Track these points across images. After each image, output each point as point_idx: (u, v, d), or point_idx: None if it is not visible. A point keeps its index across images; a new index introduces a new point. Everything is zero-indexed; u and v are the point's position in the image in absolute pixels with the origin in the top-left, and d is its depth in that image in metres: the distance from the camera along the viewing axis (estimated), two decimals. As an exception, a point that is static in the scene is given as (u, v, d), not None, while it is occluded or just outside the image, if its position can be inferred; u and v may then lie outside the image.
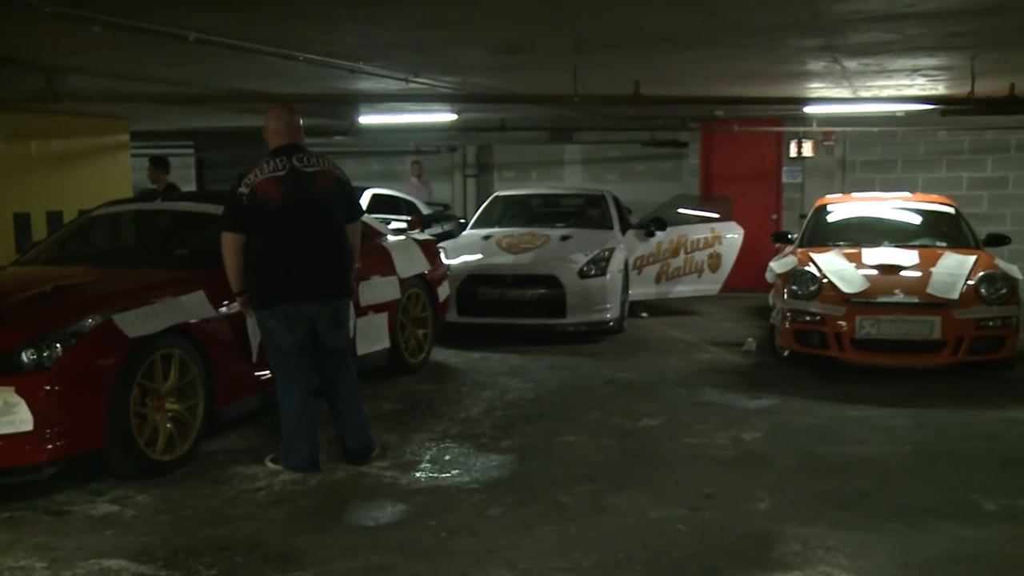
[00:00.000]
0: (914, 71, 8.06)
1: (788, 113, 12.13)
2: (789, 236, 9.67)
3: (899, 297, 7.62)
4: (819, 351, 7.81)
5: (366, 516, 4.78)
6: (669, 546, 4.27)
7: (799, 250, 8.79)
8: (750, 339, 9.15)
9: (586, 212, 10.98)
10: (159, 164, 10.30)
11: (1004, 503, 4.81)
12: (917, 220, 9.38)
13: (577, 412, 6.72)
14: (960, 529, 4.48)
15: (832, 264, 8.14)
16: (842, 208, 9.75)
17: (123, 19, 5.24)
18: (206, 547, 4.26)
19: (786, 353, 8.10)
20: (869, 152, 13.32)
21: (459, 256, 9.64)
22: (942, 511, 4.70)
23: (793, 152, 13.06)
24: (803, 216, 10.70)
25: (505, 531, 4.46)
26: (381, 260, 7.42)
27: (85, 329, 5.00)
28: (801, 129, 12.78)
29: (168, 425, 5.32)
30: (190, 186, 17.15)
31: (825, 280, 7.88)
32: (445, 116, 11.47)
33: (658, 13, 5.68)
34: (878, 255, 8.32)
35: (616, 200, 11.13)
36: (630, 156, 14.94)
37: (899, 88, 9.26)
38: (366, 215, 7.10)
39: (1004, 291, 7.64)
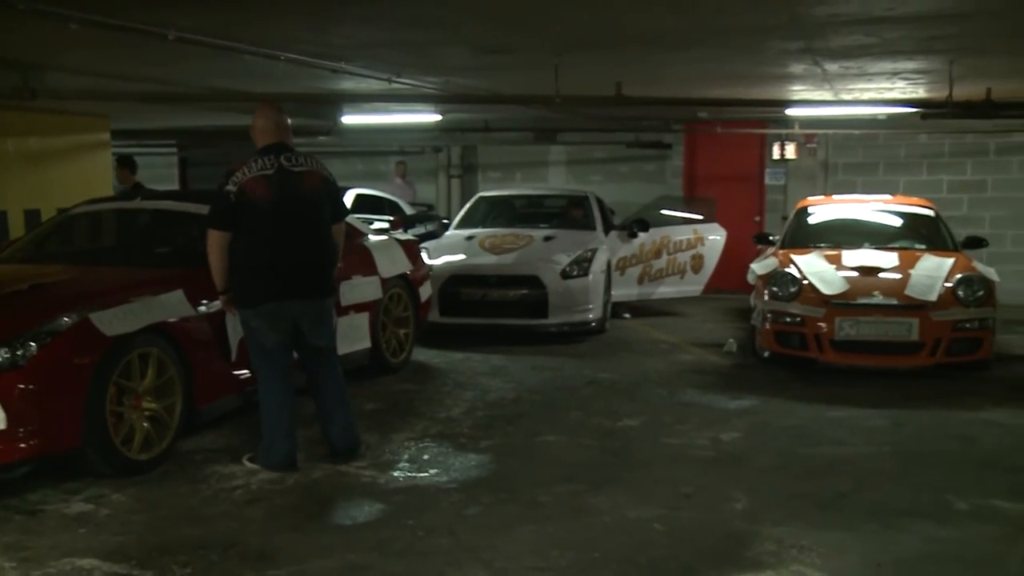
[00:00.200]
0: (894, 74, 8.12)
1: (771, 115, 12.18)
2: (771, 238, 9.70)
3: (878, 299, 7.66)
4: (799, 352, 7.85)
5: (344, 515, 4.78)
6: (646, 546, 4.28)
7: (780, 252, 8.83)
8: (731, 340, 9.18)
9: (569, 213, 10.99)
10: (125, 164, 10.21)
11: (978, 503, 4.84)
12: (897, 222, 9.44)
13: (558, 412, 6.72)
14: (935, 529, 4.50)
15: (812, 266, 8.18)
16: (823, 210, 9.80)
17: (100, 17, 5.21)
18: (181, 546, 4.24)
19: (766, 354, 8.14)
20: (851, 154, 13.39)
21: (442, 256, 9.64)
22: (917, 511, 4.72)
23: (776, 154, 13.11)
24: (785, 218, 10.74)
25: (483, 531, 4.46)
26: (362, 260, 7.41)
27: (61, 327, 4.96)
28: (784, 131, 12.85)
29: (145, 424, 5.29)
30: (173, 185, 17.09)
31: (805, 282, 7.91)
32: (429, 117, 11.46)
33: (639, 15, 5.70)
34: (858, 257, 8.36)
35: (599, 201, 11.14)
36: (614, 157, 14.96)
37: (880, 91, 9.31)
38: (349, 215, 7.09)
39: (981, 293, 7.70)
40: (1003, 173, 12.71)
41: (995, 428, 6.37)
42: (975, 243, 9.03)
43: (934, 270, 7.98)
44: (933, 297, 7.62)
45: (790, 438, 6.07)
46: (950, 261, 8.20)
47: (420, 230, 11.99)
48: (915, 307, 7.57)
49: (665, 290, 11.22)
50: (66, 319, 5.01)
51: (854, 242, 8.86)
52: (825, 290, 7.78)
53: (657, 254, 11.03)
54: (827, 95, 9.80)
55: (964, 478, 5.30)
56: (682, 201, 13.04)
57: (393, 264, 7.87)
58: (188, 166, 17.88)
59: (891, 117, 11.02)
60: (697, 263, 11.28)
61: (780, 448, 5.86)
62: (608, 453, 5.76)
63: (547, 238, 10.04)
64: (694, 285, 11.34)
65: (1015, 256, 12.39)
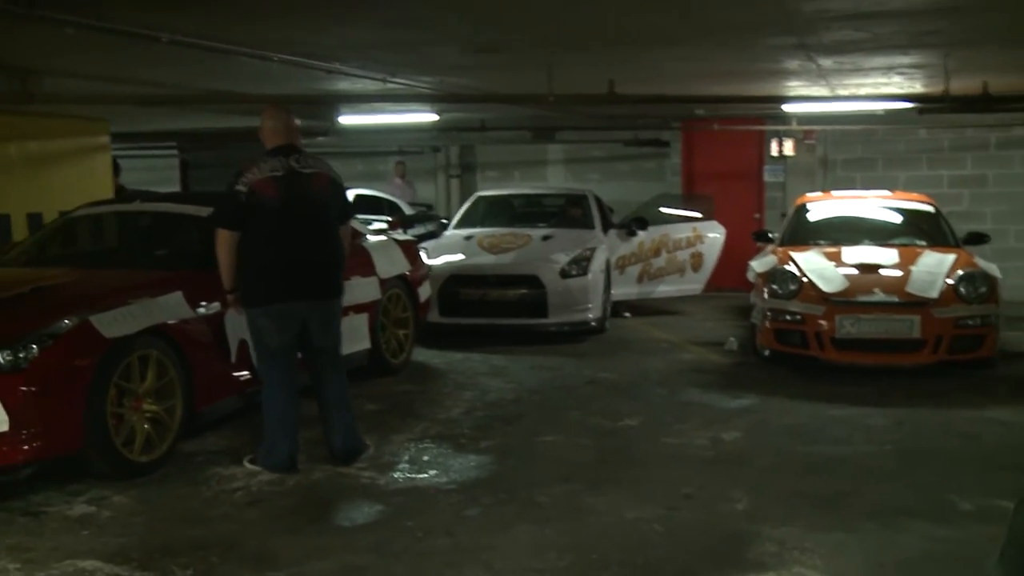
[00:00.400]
0: (890, 69, 8.11)
1: (769, 112, 12.17)
2: (770, 235, 9.70)
3: (879, 296, 7.65)
4: (799, 350, 7.84)
5: (343, 517, 4.79)
6: (645, 546, 4.28)
7: (779, 249, 8.82)
8: (731, 338, 9.18)
9: (568, 212, 10.99)
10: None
11: (980, 503, 4.82)
12: (897, 219, 9.43)
13: (557, 412, 6.72)
14: (936, 529, 4.49)
15: (812, 263, 8.17)
16: (822, 207, 9.79)
17: (94, 20, 5.21)
18: (182, 548, 4.25)
19: (767, 352, 8.13)
20: (850, 150, 13.37)
21: (441, 256, 9.64)
22: (919, 511, 4.71)
23: (774, 151, 13.11)
24: (784, 215, 10.73)
25: (481, 531, 4.46)
26: (361, 261, 7.41)
27: (62, 330, 4.98)
28: (782, 128, 12.82)
29: (146, 426, 5.30)
30: (174, 187, 17.09)
31: (805, 279, 7.90)
32: (426, 116, 11.46)
33: (628, 12, 5.70)
34: (858, 254, 8.35)
35: (598, 200, 11.14)
36: (613, 156, 14.95)
37: (876, 86, 9.30)
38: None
39: (984, 290, 7.68)
40: (1005, 167, 12.68)
41: (998, 426, 6.36)
42: (977, 239, 8.99)
43: (935, 266, 7.97)
44: (934, 294, 7.60)
45: (791, 437, 6.07)
46: (951, 257, 8.19)
47: (419, 230, 11.99)
48: (916, 304, 7.56)
49: (665, 288, 11.22)
50: (66, 321, 5.03)
51: (854, 239, 8.84)
52: (825, 288, 7.77)
53: (656, 252, 11.03)
54: (824, 91, 9.79)
55: (967, 477, 5.29)
56: (681, 199, 13.03)
57: (391, 265, 7.87)
58: (189, 168, 17.88)
59: (889, 112, 11.00)
60: (697, 261, 11.27)
61: (781, 447, 5.86)
62: (607, 453, 5.76)
63: (546, 237, 10.04)
64: (694, 283, 11.34)
65: (1018, 252, 12.37)
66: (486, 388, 7.45)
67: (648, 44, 6.81)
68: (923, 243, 8.79)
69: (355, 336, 7.17)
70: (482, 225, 10.82)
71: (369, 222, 9.81)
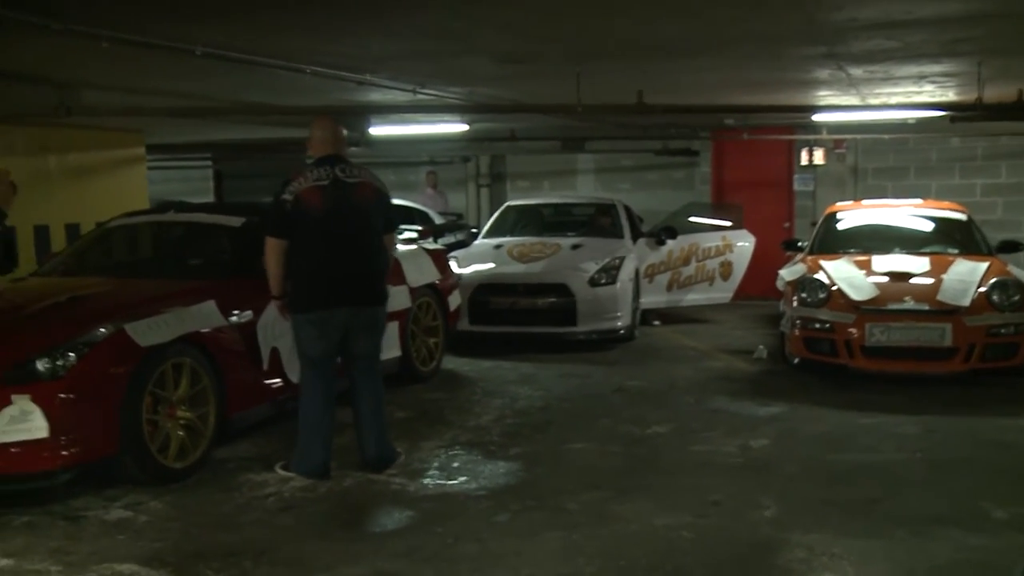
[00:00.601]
0: (921, 78, 8.06)
1: (799, 121, 12.12)
2: (800, 244, 9.68)
3: (909, 304, 7.60)
4: (829, 358, 7.80)
5: (374, 523, 4.84)
6: (673, 553, 4.30)
7: (809, 257, 8.80)
8: (761, 347, 9.15)
9: (597, 221, 11.02)
10: None
11: (1014, 511, 4.78)
12: (928, 227, 9.37)
13: (586, 420, 6.75)
14: (968, 537, 4.46)
15: (841, 271, 8.14)
16: (852, 215, 9.75)
17: (130, 35, 5.32)
18: (215, 553, 4.32)
19: (796, 360, 8.10)
20: (881, 159, 13.30)
21: (471, 265, 9.70)
22: (950, 519, 4.69)
23: (804, 160, 13.05)
24: (814, 224, 10.69)
25: (510, 537, 4.50)
26: (392, 270, 7.47)
27: (98, 338, 5.08)
28: (812, 137, 12.78)
29: (180, 433, 5.39)
30: (208, 198, 17.30)
31: (834, 288, 7.88)
32: (456, 127, 11.53)
33: (657, 24, 5.72)
34: (888, 262, 8.31)
35: (627, 209, 11.16)
36: (643, 165, 14.97)
37: (908, 95, 9.25)
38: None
39: (1017, 298, 7.60)
40: (1040, 176, 12.57)
41: (1030, 435, 6.30)
42: (1011, 247, 8.89)
43: (967, 275, 7.91)
44: (966, 302, 7.55)
45: (820, 445, 6.06)
46: (984, 265, 8.12)
47: (449, 239, 12.06)
48: (948, 312, 7.50)
49: (694, 297, 11.21)
50: (102, 330, 5.13)
51: (884, 247, 8.79)
52: (855, 296, 7.74)
53: (686, 261, 11.03)
54: (854, 100, 9.75)
55: (998, 485, 5.26)
56: (710, 208, 13.00)
57: (421, 273, 7.93)
58: (223, 179, 18.10)
59: (921, 121, 10.93)
60: (726, 270, 11.25)
61: (810, 455, 5.84)
62: (636, 460, 5.78)
63: (575, 246, 10.08)
64: (723, 292, 11.31)
65: (1053, 260, 12.22)
66: (515, 396, 7.49)
67: (677, 55, 6.83)
68: (955, 251, 8.73)
69: (386, 344, 7.18)
70: (512, 234, 10.89)
71: (400, 231, 9.87)
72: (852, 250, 8.87)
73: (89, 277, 6.57)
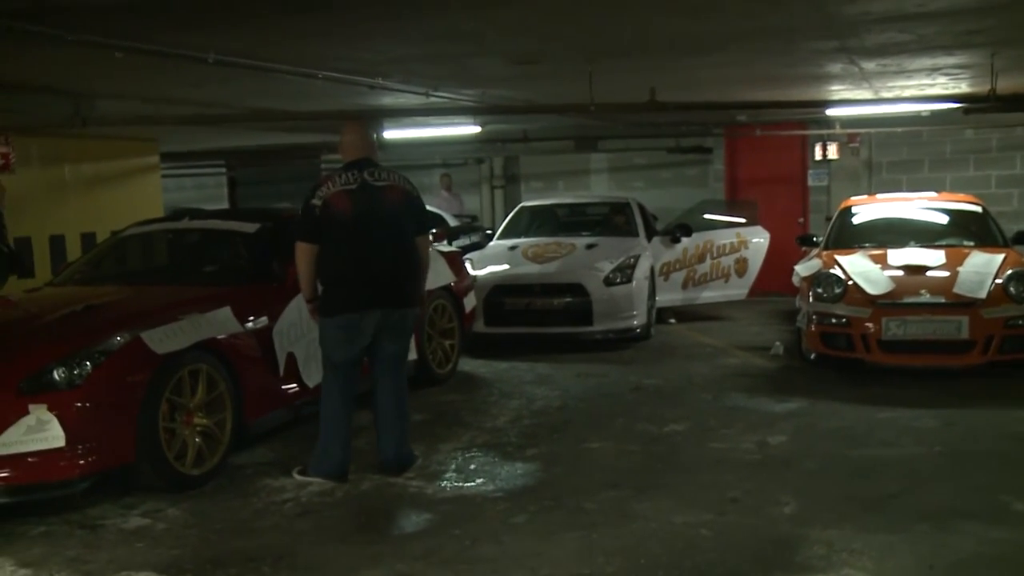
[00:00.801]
0: (934, 70, 8.02)
1: (811, 116, 12.09)
2: (815, 239, 9.64)
3: (926, 297, 7.56)
4: (846, 353, 7.77)
5: (392, 525, 4.85)
6: (692, 551, 4.28)
7: (824, 253, 8.76)
8: (777, 343, 9.12)
9: (611, 220, 11.01)
10: None
11: (1035, 503, 4.75)
12: (943, 220, 9.32)
13: (603, 419, 6.73)
14: (989, 530, 4.43)
15: (857, 266, 8.10)
16: (867, 210, 9.71)
17: (142, 44, 5.35)
18: (233, 559, 4.33)
19: (813, 356, 8.07)
20: (895, 153, 13.23)
21: (486, 267, 9.70)
22: (971, 512, 4.66)
23: (818, 155, 12.98)
24: (828, 219, 10.66)
25: (528, 538, 4.49)
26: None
27: (114, 347, 5.10)
28: (825, 132, 12.72)
29: (197, 439, 5.40)
30: (223, 204, 17.39)
31: (850, 282, 7.84)
32: (469, 129, 11.54)
33: (668, 20, 5.71)
34: (904, 256, 8.27)
35: (641, 207, 11.14)
36: (656, 163, 14.95)
37: (921, 88, 9.19)
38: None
39: (1034, 289, 7.55)
40: (1056, 166, 12.48)
41: (1051, 427, 6.25)
42: (1027, 238, 8.87)
43: (983, 267, 7.86)
44: (983, 294, 7.50)
45: (838, 440, 6.02)
46: (1000, 257, 8.07)
47: (464, 241, 12.08)
48: (964, 305, 7.46)
49: (710, 294, 11.18)
50: (118, 338, 5.15)
51: (900, 241, 8.75)
52: (871, 290, 7.70)
53: (701, 258, 11.00)
54: (867, 94, 9.70)
55: (1019, 478, 5.23)
56: (724, 205, 12.97)
57: (436, 276, 7.90)
58: (237, 185, 18.18)
59: (935, 113, 10.87)
60: (741, 266, 11.22)
61: (828, 450, 5.81)
62: (654, 459, 5.76)
63: (590, 246, 10.06)
64: (739, 288, 11.28)
65: (1071, 250, 12.12)
66: (532, 396, 7.48)
67: (689, 51, 6.81)
68: (971, 243, 8.68)
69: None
70: (526, 235, 10.88)
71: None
72: (867, 244, 8.83)
73: (105, 286, 6.60)
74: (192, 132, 10.98)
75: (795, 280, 8.76)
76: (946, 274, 7.80)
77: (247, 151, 15.16)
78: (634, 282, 9.47)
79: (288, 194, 16.35)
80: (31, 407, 4.77)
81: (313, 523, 4.81)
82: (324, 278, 5.41)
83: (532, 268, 9.61)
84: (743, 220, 11.56)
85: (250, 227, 6.94)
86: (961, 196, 9.95)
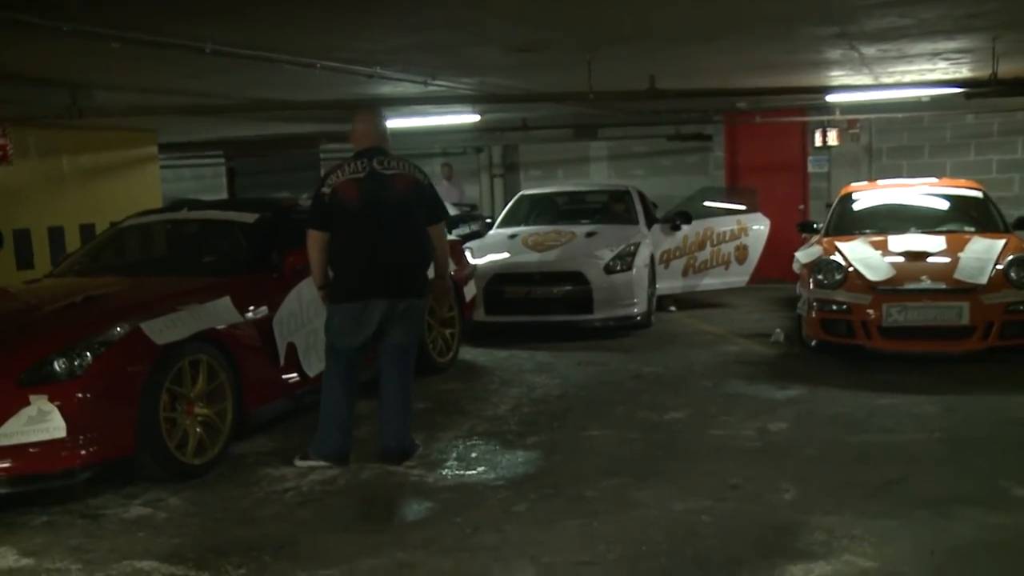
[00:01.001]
0: (935, 55, 7.99)
1: (811, 102, 12.06)
2: (815, 226, 9.63)
3: (926, 283, 7.55)
4: (846, 340, 7.76)
5: (393, 514, 4.85)
6: (693, 538, 4.29)
7: (824, 239, 8.75)
8: (778, 330, 9.12)
9: (611, 208, 11.00)
10: None
11: (1034, 489, 4.75)
12: (944, 205, 9.30)
13: (603, 407, 6.74)
14: (989, 516, 4.44)
15: (858, 252, 8.09)
16: (867, 196, 9.69)
17: (139, 34, 5.34)
18: (235, 548, 4.33)
19: (813, 343, 8.07)
20: (895, 138, 13.21)
21: (485, 255, 9.69)
22: (971, 498, 4.66)
23: (818, 141, 12.96)
24: (829, 205, 10.64)
25: (529, 526, 4.49)
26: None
27: (114, 337, 5.10)
28: (825, 118, 12.70)
29: (198, 429, 5.41)
30: (222, 194, 17.38)
31: (851, 269, 7.84)
32: (468, 117, 11.51)
33: (668, 7, 5.70)
34: (904, 242, 8.25)
35: (641, 195, 11.13)
36: (656, 151, 14.93)
37: (921, 73, 9.17)
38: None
39: (1035, 275, 7.54)
40: (1057, 150, 12.46)
41: (1051, 412, 6.25)
42: (1028, 223, 8.85)
43: (984, 252, 7.85)
44: (983, 280, 7.49)
45: (838, 426, 6.03)
46: (1001, 243, 8.05)
47: (464, 230, 12.07)
48: (965, 290, 7.45)
49: (710, 282, 11.18)
50: (118, 329, 5.15)
51: (900, 227, 8.74)
52: (871, 276, 7.69)
53: (701, 246, 11.00)
54: (867, 79, 9.68)
55: (1019, 463, 5.23)
56: (724, 192, 12.96)
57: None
58: (236, 175, 18.17)
59: (935, 98, 10.85)
60: (741, 254, 11.21)
61: (828, 437, 5.81)
62: (654, 446, 5.77)
63: (589, 234, 10.05)
64: (739, 276, 11.28)
65: (1072, 235, 12.11)
66: (532, 385, 7.49)
67: (688, 38, 6.79)
68: (971, 229, 8.66)
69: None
70: (526, 223, 10.87)
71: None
72: (868, 231, 8.81)
73: (104, 277, 6.60)
74: (190, 122, 10.97)
75: (795, 267, 8.76)
76: (947, 260, 7.79)
77: (246, 141, 15.14)
78: (634, 270, 9.47)
79: (287, 184, 16.36)
80: (32, 398, 4.77)
81: (314, 512, 4.82)
82: (332, 266, 5.44)
83: (532, 256, 9.61)
84: (743, 207, 11.56)
85: (249, 217, 6.93)
86: (962, 182, 9.93)
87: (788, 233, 11.21)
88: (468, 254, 9.13)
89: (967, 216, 9.00)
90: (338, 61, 6.84)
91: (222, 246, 7.13)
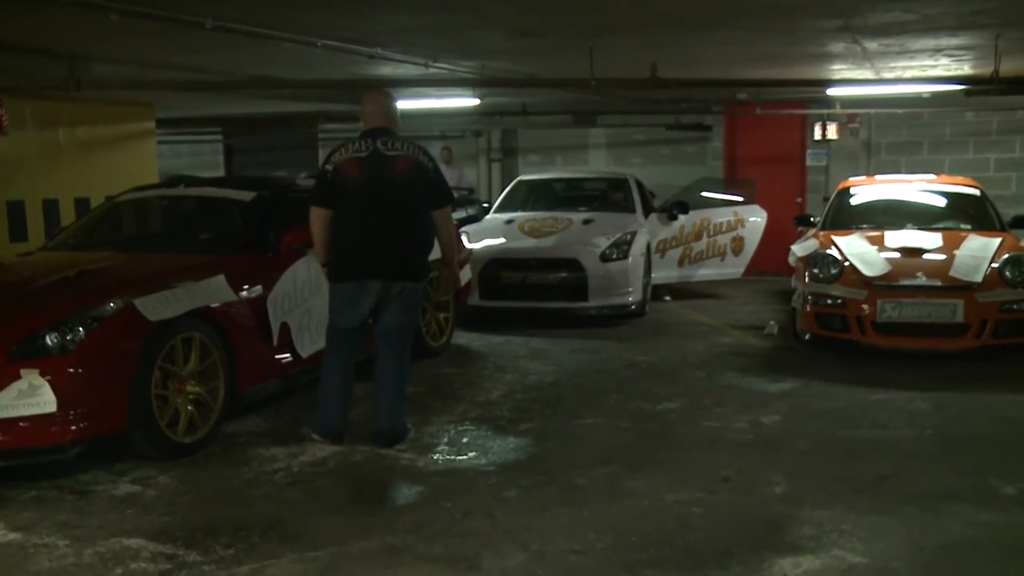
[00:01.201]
0: (937, 51, 7.96)
1: (812, 96, 12.03)
2: (812, 219, 9.63)
3: (921, 280, 7.56)
4: (840, 334, 7.77)
5: (383, 498, 4.85)
6: (683, 529, 4.29)
7: (821, 233, 8.75)
8: (772, 322, 9.12)
9: (609, 196, 10.98)
10: None
11: (1024, 487, 4.77)
12: (941, 202, 9.30)
13: (597, 395, 6.73)
14: (978, 513, 4.45)
15: (854, 247, 8.09)
16: (865, 191, 9.68)
17: (139, 7, 5.28)
18: (224, 527, 4.32)
19: (807, 336, 8.07)
20: (895, 134, 13.19)
21: (482, 240, 9.67)
22: (961, 495, 4.67)
23: (817, 135, 12.95)
24: (826, 199, 10.64)
25: (520, 513, 4.49)
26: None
27: (107, 313, 5.07)
28: (825, 111, 12.68)
29: (189, 407, 5.39)
30: (219, 172, 17.30)
31: (847, 263, 7.83)
32: (468, 101, 11.47)
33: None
34: (901, 238, 8.25)
35: (639, 183, 11.11)
36: (655, 140, 14.90)
37: (923, 69, 9.14)
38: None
39: (1030, 273, 7.55)
40: (1055, 150, 12.46)
41: (1042, 411, 6.27)
42: (1024, 222, 8.86)
43: (980, 250, 7.86)
44: (978, 278, 7.50)
45: (831, 421, 6.03)
46: (997, 241, 8.06)
47: (460, 214, 12.03)
48: (960, 288, 7.46)
49: (705, 272, 11.18)
50: (112, 304, 5.12)
51: (897, 223, 8.74)
52: (867, 271, 7.69)
53: (697, 236, 10.99)
54: (868, 74, 9.65)
55: (1009, 461, 5.24)
56: (722, 183, 12.95)
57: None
58: (234, 153, 18.09)
59: (935, 95, 10.83)
60: (738, 245, 11.21)
61: (820, 431, 5.82)
62: (646, 436, 5.76)
63: (586, 221, 10.03)
64: (735, 267, 11.28)
65: (1068, 236, 12.12)
66: (526, 371, 7.48)
67: (691, 27, 6.76)
68: (968, 227, 8.67)
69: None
70: (523, 209, 10.85)
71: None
72: (864, 225, 8.81)
73: (98, 251, 6.55)
74: (189, 98, 10.89)
75: (791, 260, 8.76)
76: (942, 257, 7.80)
77: (244, 119, 15.06)
78: (630, 258, 9.46)
79: (285, 163, 16.29)
80: (23, 372, 4.75)
81: (304, 493, 4.81)
82: (333, 244, 5.47)
83: (528, 242, 9.59)
84: (741, 199, 11.55)
85: (246, 195, 6.90)
86: (959, 179, 9.93)
87: (785, 225, 11.22)
88: (464, 238, 9.11)
89: (964, 214, 9.00)
90: (339, 40, 6.79)
91: (218, 223, 7.09)
